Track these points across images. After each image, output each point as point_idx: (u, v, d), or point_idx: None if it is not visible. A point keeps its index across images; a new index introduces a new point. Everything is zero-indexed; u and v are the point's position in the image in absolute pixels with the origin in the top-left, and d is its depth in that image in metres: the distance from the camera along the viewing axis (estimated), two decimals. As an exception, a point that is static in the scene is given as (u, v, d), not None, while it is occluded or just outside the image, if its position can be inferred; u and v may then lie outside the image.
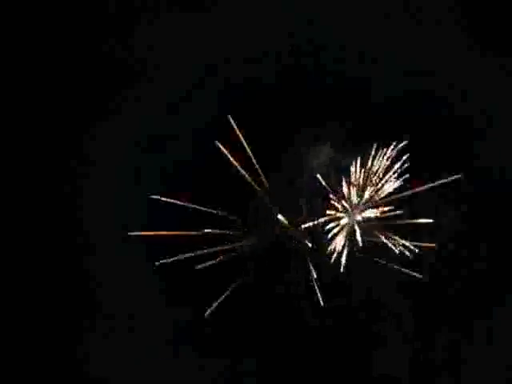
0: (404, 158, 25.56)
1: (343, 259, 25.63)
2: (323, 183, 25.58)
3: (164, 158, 26.74)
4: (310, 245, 25.94)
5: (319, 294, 25.71)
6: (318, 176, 25.54)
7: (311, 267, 25.81)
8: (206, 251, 25.62)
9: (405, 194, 25.73)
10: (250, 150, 25.32)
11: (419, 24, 25.18)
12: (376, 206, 25.76)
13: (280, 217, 25.70)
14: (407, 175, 25.58)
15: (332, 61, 25.66)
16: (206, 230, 25.61)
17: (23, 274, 26.26)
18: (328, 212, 25.76)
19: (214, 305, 25.69)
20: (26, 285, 26.27)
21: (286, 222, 25.75)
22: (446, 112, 24.90)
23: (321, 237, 25.80)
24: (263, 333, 26.13)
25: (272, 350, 26.14)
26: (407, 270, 25.75)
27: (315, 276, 25.71)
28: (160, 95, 26.29)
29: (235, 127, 25.06)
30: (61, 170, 26.26)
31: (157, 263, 25.58)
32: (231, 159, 25.22)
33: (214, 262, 25.47)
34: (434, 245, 25.78)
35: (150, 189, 26.00)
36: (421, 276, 25.68)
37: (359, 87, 25.24)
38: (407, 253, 25.56)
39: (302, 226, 25.88)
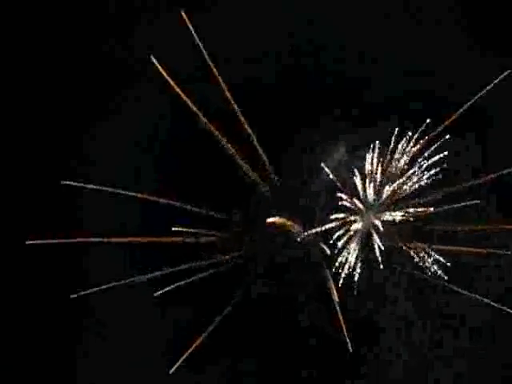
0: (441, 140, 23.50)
1: (356, 276, 24.04)
2: (331, 176, 24.27)
3: (164, 158, 26.60)
4: (327, 250, 24.47)
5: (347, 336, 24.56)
6: (325, 168, 24.41)
7: (329, 276, 24.60)
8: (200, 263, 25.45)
9: (442, 191, 23.76)
10: (251, 148, 25.30)
11: (419, 24, 25.11)
12: (397, 207, 23.81)
13: (270, 219, 24.92)
14: (444, 165, 23.79)
15: (332, 61, 25.60)
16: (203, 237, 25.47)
17: (23, 273, 26.24)
18: (335, 216, 23.96)
19: (210, 327, 25.45)
20: (25, 283, 26.26)
21: (285, 222, 25.24)
22: (446, 112, 24.64)
23: (328, 246, 24.53)
24: (264, 334, 25.98)
25: (272, 351, 25.98)
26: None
27: (337, 299, 24.29)
28: (160, 95, 26.12)
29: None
30: (61, 170, 26.04)
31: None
32: (232, 150, 25.06)
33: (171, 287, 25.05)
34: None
35: (150, 188, 25.90)
36: None
37: (359, 87, 25.13)
38: (436, 269, 24.03)
39: (313, 230, 24.66)
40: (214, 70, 24.66)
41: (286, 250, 25.49)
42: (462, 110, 24.07)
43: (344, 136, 25.24)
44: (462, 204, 23.94)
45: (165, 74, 24.69)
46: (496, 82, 23.60)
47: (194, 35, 24.27)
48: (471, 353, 25.37)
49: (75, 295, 25.25)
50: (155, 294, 24.92)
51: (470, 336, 25.51)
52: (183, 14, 24.25)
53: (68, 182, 25.24)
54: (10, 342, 26.28)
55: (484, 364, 25.30)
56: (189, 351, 24.92)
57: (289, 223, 25.12)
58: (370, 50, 25.43)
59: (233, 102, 24.69)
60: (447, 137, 23.76)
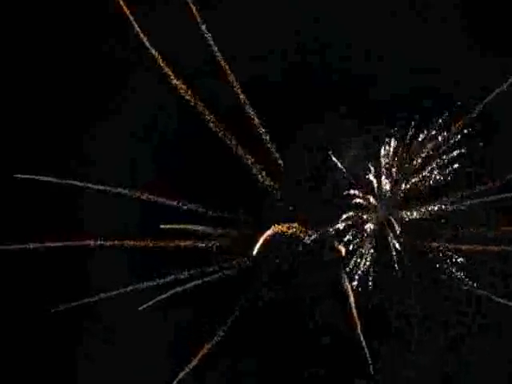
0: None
1: (370, 276, 23.56)
2: (345, 174, 24.03)
3: (166, 158, 26.46)
4: (342, 250, 23.58)
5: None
6: (339, 165, 24.21)
7: (343, 275, 23.93)
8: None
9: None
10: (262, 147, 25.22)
11: (425, 22, 25.23)
12: (412, 204, 23.39)
13: (270, 232, 24.06)
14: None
15: (338, 58, 25.65)
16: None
17: (23, 276, 25.84)
18: (348, 214, 23.42)
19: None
20: (25, 285, 25.88)
21: (292, 228, 24.83)
22: (451, 110, 24.78)
23: (343, 245, 23.91)
24: (271, 336, 25.83)
25: (279, 353, 25.83)
26: None
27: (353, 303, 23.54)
28: (162, 94, 25.98)
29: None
30: (61, 170, 25.70)
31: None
32: (243, 151, 24.85)
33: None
34: None
35: (152, 188, 25.74)
36: None
37: (365, 84, 25.17)
38: (453, 268, 23.68)
39: (323, 231, 24.16)
40: (226, 66, 24.55)
41: (295, 254, 25.16)
42: (472, 115, 24.03)
43: (352, 133, 25.15)
44: (476, 201, 23.90)
45: (167, 68, 24.36)
46: (507, 84, 23.53)
47: (204, 30, 24.15)
48: (480, 349, 25.36)
49: (54, 309, 25.01)
50: (139, 308, 24.72)
51: (479, 332, 25.51)
52: (193, 7, 24.03)
53: (20, 176, 24.78)
54: (10, 349, 25.90)
55: (491, 360, 25.31)
56: (197, 358, 24.58)
57: (297, 228, 24.63)
58: (375, 48, 25.40)
59: (246, 101, 24.57)
60: (464, 132, 24.08)
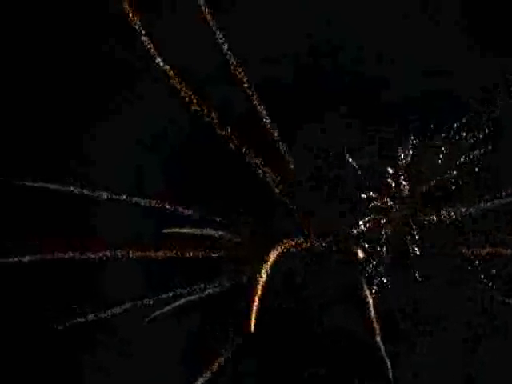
0: None
1: (388, 284, 23.18)
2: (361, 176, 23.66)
3: (168, 159, 26.09)
4: (360, 254, 22.91)
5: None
6: (356, 167, 23.89)
7: (362, 280, 23.29)
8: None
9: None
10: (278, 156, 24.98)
11: (437, 25, 25.21)
12: (434, 206, 23.12)
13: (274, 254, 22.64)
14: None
15: (350, 61, 25.53)
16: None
17: (33, 288, 25.27)
18: (365, 219, 23.04)
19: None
20: (36, 297, 25.28)
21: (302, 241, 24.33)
22: (463, 113, 24.87)
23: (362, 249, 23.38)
24: (271, 337, 25.73)
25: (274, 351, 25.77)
26: None
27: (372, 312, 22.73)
28: (164, 93, 25.47)
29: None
30: (61, 171, 25.31)
31: None
32: (257, 161, 24.53)
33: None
34: None
35: (155, 191, 25.40)
36: None
37: (378, 87, 25.13)
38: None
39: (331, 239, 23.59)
40: (238, 70, 24.26)
41: (308, 265, 24.90)
42: (482, 121, 24.01)
43: (364, 135, 25.09)
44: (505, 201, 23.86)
45: (176, 79, 24.02)
46: None
47: (217, 33, 23.83)
48: (494, 351, 25.60)
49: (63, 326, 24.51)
50: (146, 320, 24.37)
51: (492, 334, 25.74)
52: (204, 11, 23.68)
53: (30, 183, 24.52)
54: (21, 362, 25.02)
55: (497, 363, 25.59)
56: (209, 370, 24.37)
57: (309, 239, 24.22)
58: (387, 51, 25.38)
59: (261, 107, 24.27)
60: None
